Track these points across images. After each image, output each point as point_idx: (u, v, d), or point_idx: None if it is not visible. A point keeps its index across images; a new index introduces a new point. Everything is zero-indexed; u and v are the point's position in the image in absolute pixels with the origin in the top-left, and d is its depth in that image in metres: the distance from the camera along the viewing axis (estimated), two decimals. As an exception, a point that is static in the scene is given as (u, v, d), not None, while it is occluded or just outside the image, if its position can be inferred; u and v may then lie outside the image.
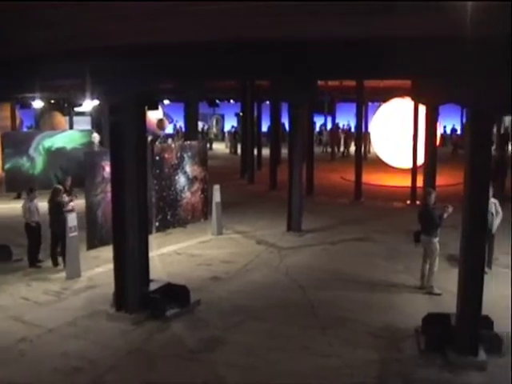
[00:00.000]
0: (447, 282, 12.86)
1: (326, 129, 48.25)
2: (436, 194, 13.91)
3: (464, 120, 40.77)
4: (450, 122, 49.48)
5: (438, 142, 26.73)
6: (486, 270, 13.01)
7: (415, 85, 18.27)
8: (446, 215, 13.17)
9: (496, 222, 14.36)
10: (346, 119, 48.41)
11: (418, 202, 21.49)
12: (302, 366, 9.98)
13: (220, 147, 47.77)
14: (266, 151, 31.77)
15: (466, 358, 9.95)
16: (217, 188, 18.41)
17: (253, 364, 9.98)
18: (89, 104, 28.31)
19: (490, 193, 11.79)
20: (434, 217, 13.20)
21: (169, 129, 47.76)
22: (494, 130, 37.61)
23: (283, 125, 41.30)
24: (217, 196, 18.37)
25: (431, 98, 13.02)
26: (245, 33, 8.68)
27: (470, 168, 9.95)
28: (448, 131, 50.06)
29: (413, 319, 11.34)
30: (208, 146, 35.06)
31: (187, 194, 16.08)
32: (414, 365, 9.99)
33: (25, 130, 39.82)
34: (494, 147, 34.66)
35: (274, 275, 14.59)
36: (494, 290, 12.63)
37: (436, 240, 13.35)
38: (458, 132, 48.47)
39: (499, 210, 14.35)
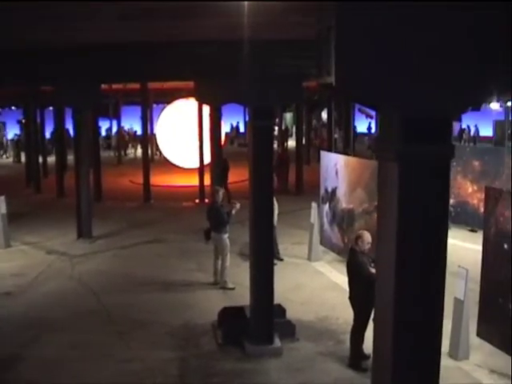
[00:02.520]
0: (240, 275, 13.26)
1: (111, 133, 47.68)
2: (224, 192, 14.24)
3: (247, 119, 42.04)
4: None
5: (223, 141, 27.42)
6: (276, 261, 13.63)
7: (198, 85, 18.62)
8: (234, 211, 13.53)
9: (275, 214, 14.66)
10: (131, 122, 48.09)
11: (206, 201, 21.92)
12: (105, 373, 9.82)
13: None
14: (52, 158, 30.88)
15: (262, 346, 10.34)
16: (1, 199, 17.60)
17: (55, 378, 9.67)
18: None
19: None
20: (222, 214, 13.52)
21: None
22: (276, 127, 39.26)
23: (68, 130, 40.28)
24: (1, 207, 17.56)
25: (214, 98, 13.29)
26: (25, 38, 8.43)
27: (254, 164, 10.33)
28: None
29: (210, 315, 11.59)
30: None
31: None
32: (213, 359, 10.22)
33: None
34: (276, 144, 36.14)
35: (68, 284, 14.24)
36: (284, 279, 13.28)
37: (226, 236, 13.68)
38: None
39: (276, 203, 14.78)
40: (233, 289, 13.43)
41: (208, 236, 13.91)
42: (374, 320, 4.80)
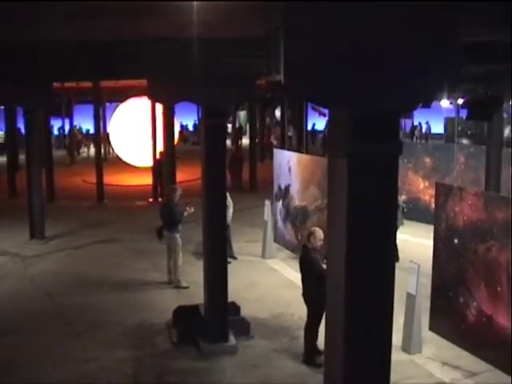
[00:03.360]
0: (194, 274, 13.23)
1: (64, 132, 47.10)
2: (181, 191, 14.20)
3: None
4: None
5: (176, 140, 27.31)
6: (230, 259, 13.68)
7: (151, 84, 18.51)
8: (186, 214, 13.53)
9: (229, 213, 14.69)
10: (84, 121, 47.49)
11: (160, 199, 21.82)
12: (61, 374, 9.73)
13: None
14: (3, 158, 30.40)
15: (217, 345, 10.35)
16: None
17: (11, 379, 9.55)
18: None
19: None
20: (176, 213, 13.48)
21: None
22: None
23: (19, 130, 39.68)
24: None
25: (167, 96, 13.24)
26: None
27: (206, 163, 10.33)
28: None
29: (165, 314, 11.56)
30: None
31: None
32: (168, 358, 10.21)
33: None
34: (229, 141, 36.16)
35: (21, 286, 14.05)
36: (238, 277, 13.32)
37: (178, 235, 13.65)
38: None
39: (230, 201, 14.84)
40: (187, 287, 13.40)
41: (160, 234, 13.86)
42: (325, 316, 4.85)
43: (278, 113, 42.58)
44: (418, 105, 4.58)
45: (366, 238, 4.22)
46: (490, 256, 9.24)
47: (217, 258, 10.54)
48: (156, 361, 10.13)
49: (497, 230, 9.12)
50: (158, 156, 24.21)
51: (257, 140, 31.34)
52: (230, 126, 40.29)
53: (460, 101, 22.79)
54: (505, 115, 23.68)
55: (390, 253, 4.44)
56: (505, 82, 13.78)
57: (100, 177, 24.48)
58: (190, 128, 51.79)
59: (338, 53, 3.69)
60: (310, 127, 42.21)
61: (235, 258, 15.29)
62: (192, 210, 13.46)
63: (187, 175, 25.35)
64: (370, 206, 4.18)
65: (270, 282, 14.01)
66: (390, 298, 4.40)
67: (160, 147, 23.37)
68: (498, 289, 9.16)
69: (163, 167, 22.37)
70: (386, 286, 4.35)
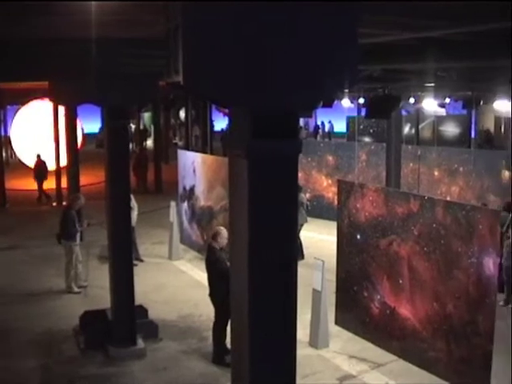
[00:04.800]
0: (101, 278, 13.05)
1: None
2: (84, 200, 13.96)
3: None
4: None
5: (80, 143, 26.82)
6: (136, 262, 13.58)
7: (53, 86, 18.08)
8: (85, 226, 13.41)
9: (134, 215, 14.50)
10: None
11: (64, 203, 21.41)
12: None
13: None
14: None
15: (125, 349, 10.26)
16: None
17: None
18: None
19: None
20: (73, 221, 13.26)
21: None
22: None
23: None
24: None
25: (69, 98, 12.99)
26: None
27: (110, 165, 10.22)
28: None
29: (71, 320, 11.36)
30: None
31: None
32: (76, 364, 10.05)
33: None
34: (133, 144, 35.81)
35: None
36: (145, 280, 13.24)
37: (74, 244, 13.43)
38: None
39: (135, 203, 14.74)
40: (79, 293, 13.32)
41: (59, 240, 13.57)
42: (230, 314, 4.88)
43: (182, 113, 42.45)
44: (318, 104, 4.65)
45: (268, 237, 4.26)
46: (391, 250, 9.50)
47: (122, 261, 10.44)
48: (64, 368, 9.96)
49: (397, 225, 9.39)
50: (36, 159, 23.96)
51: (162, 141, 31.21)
52: (134, 127, 39.86)
53: (361, 100, 23.37)
54: (404, 113, 24.44)
55: (293, 250, 4.50)
56: (402, 81, 14.22)
57: (1, 181, 23.81)
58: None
59: (235, 53, 3.71)
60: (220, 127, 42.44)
61: (142, 261, 15.19)
62: (87, 225, 13.40)
63: (91, 178, 24.97)
64: (271, 205, 4.21)
65: (177, 283, 13.99)
66: (294, 295, 4.45)
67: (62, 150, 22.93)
68: (400, 281, 9.42)
69: (42, 170, 22.04)
70: (290, 283, 4.40)
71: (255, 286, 4.28)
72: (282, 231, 4.32)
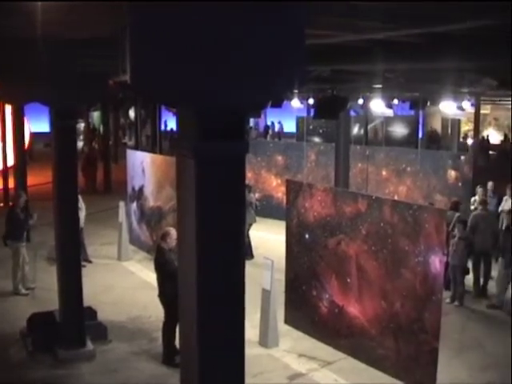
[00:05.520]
0: (48, 280, 12.85)
1: None
2: (27, 197, 13.78)
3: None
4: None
5: (28, 142, 26.42)
6: (85, 263, 13.47)
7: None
8: (31, 222, 13.22)
9: (82, 215, 14.32)
10: None
11: (11, 204, 21.04)
12: None
13: None
14: None
15: (74, 351, 10.15)
16: None
17: None
18: None
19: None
20: (19, 219, 13.08)
21: None
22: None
23: None
24: None
25: (16, 97, 12.80)
26: None
27: (57, 165, 10.10)
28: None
29: (19, 322, 11.14)
30: None
31: None
32: (24, 368, 9.91)
33: None
34: (83, 143, 35.42)
35: None
36: (94, 281, 13.12)
37: (21, 244, 13.22)
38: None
39: (83, 204, 14.60)
40: (26, 295, 13.14)
41: (5, 241, 13.34)
42: (179, 315, 4.88)
43: (132, 113, 42.12)
44: (265, 105, 4.69)
45: (216, 237, 4.27)
46: (339, 249, 9.60)
47: (70, 262, 10.34)
48: (11, 372, 9.80)
49: (345, 224, 9.49)
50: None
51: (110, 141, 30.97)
52: (83, 126, 39.42)
53: (311, 101, 23.52)
54: (353, 114, 24.68)
55: (241, 250, 4.52)
56: (351, 82, 14.36)
57: None
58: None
59: (182, 52, 3.71)
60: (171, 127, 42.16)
61: (90, 262, 15.05)
62: (34, 218, 13.18)
63: (39, 179, 24.60)
64: (218, 205, 4.23)
65: (126, 284, 13.90)
66: (242, 295, 4.47)
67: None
68: (348, 280, 9.53)
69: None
70: (238, 282, 4.42)
71: (203, 286, 4.29)
72: (229, 231, 4.33)
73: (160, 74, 3.74)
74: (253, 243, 15.75)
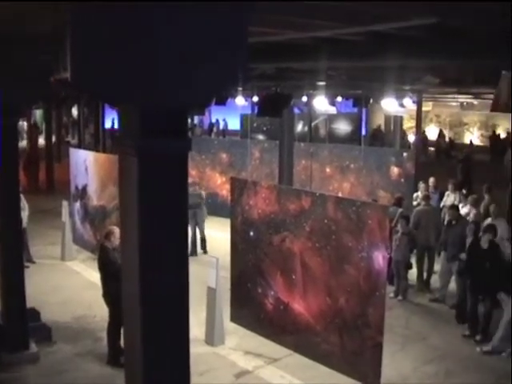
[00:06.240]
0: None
1: None
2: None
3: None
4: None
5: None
6: (28, 264, 13.26)
7: None
8: None
9: (24, 215, 13.97)
10: None
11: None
12: None
13: None
14: None
15: (17, 354, 9.95)
16: None
17: None
18: None
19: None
20: None
21: None
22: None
23: None
24: None
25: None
26: None
27: (-1, 164, 9.93)
28: None
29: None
30: None
31: None
32: (-36, 372, 9.72)
33: None
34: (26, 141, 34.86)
35: None
36: (38, 281, 12.93)
37: None
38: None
39: (25, 203, 14.34)
40: None
41: None
42: (123, 315, 4.84)
43: (75, 111, 41.55)
44: (208, 102, 4.68)
45: (159, 236, 4.26)
46: (284, 246, 9.63)
47: (12, 262, 10.14)
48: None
49: (289, 221, 9.53)
50: None
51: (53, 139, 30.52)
52: (26, 124, 38.73)
53: (255, 98, 23.57)
54: (296, 111, 24.82)
55: (184, 248, 4.51)
56: (295, 79, 14.44)
57: None
58: None
59: (121, 50, 3.68)
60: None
61: (33, 262, 14.81)
62: None
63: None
64: (161, 203, 4.22)
65: (70, 284, 13.73)
66: (186, 293, 4.46)
67: None
68: (293, 277, 9.57)
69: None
70: (182, 281, 4.41)
71: (146, 285, 4.27)
72: (172, 229, 4.32)
73: (100, 72, 3.71)
74: (197, 241, 15.86)
